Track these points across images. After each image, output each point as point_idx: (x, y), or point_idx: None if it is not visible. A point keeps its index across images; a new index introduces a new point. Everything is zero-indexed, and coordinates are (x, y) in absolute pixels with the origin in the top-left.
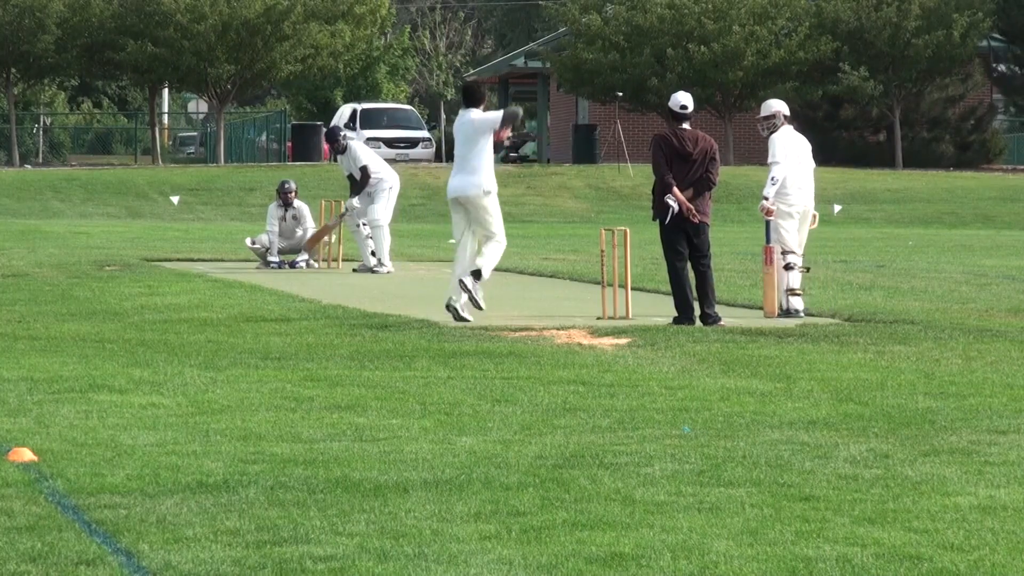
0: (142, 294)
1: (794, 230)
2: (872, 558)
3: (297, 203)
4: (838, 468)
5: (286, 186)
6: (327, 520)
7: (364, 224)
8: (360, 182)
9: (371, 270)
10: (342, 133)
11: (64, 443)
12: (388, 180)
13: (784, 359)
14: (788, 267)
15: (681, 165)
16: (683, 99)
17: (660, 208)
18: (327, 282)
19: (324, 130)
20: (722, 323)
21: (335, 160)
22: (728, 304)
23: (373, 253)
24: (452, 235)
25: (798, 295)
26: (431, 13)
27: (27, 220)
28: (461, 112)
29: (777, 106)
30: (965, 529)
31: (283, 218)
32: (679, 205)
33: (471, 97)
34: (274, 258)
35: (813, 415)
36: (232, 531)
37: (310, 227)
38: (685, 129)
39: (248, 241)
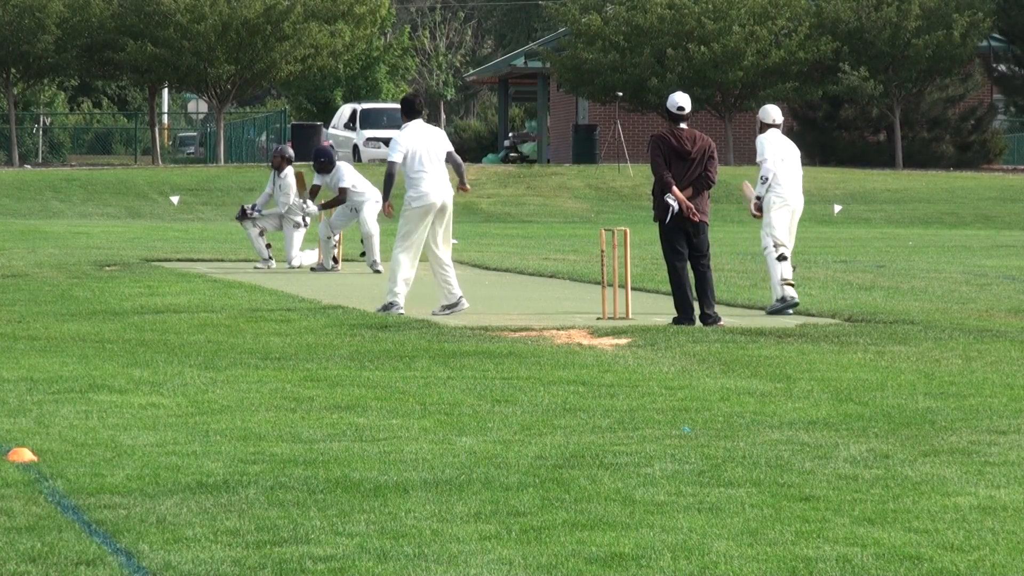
0: (142, 294)
1: (785, 223)
2: (872, 558)
3: (287, 170)
4: (838, 468)
5: (275, 148)
6: (327, 520)
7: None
8: (337, 199)
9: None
10: (338, 153)
11: (64, 443)
12: (371, 194)
13: (784, 359)
14: (782, 257)
15: (680, 164)
16: (680, 100)
17: (660, 208)
18: (327, 282)
19: (318, 148)
20: (722, 323)
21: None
22: (728, 304)
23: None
24: (405, 240)
25: (791, 284)
26: (431, 13)
27: (27, 220)
28: (422, 123)
29: (760, 114)
30: (965, 529)
31: (274, 181)
32: (679, 204)
33: (417, 110)
34: (256, 211)
35: (813, 415)
36: (232, 531)
37: (292, 200)
38: (683, 129)
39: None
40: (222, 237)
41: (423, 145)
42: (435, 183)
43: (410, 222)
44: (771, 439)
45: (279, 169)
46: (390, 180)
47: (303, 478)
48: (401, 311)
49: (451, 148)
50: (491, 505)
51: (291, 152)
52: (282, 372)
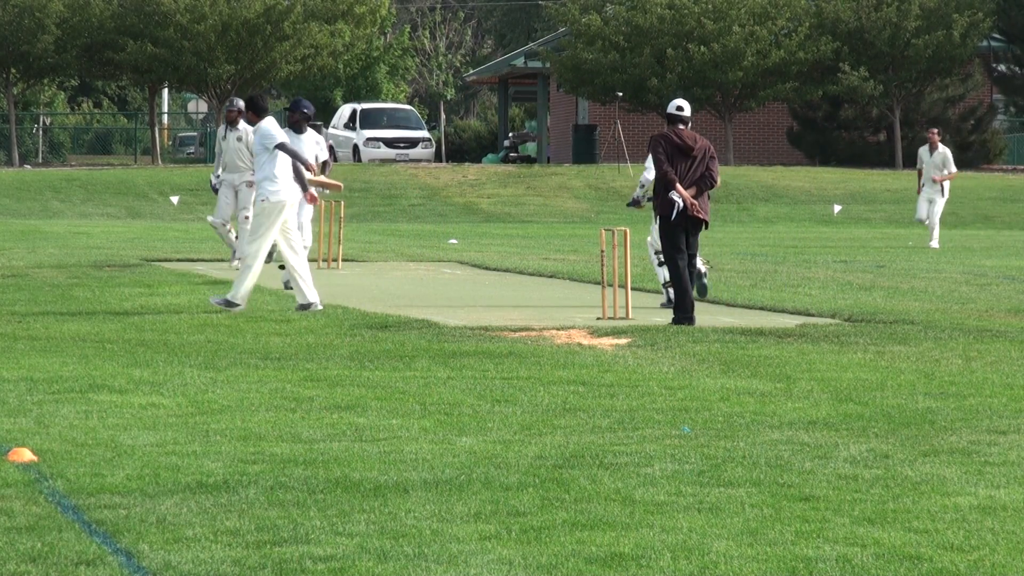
0: (142, 294)
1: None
2: (872, 558)
3: (242, 125)
4: (838, 468)
5: (232, 103)
6: (327, 520)
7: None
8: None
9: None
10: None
11: (64, 443)
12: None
13: (784, 359)
14: (662, 264)
15: (682, 162)
16: (679, 101)
17: (665, 204)
18: (327, 282)
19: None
20: (695, 324)
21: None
22: (728, 304)
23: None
24: (264, 237)
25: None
26: (431, 13)
27: (27, 220)
28: (268, 122)
29: (669, 108)
30: (965, 529)
31: (224, 137)
32: (683, 200)
33: (266, 107)
34: (215, 176)
35: (813, 415)
36: (232, 531)
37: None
38: (682, 129)
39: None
40: None
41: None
42: (288, 182)
43: (264, 217)
44: (771, 439)
45: (233, 124)
46: (295, 157)
47: (303, 478)
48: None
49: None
50: (491, 505)
51: (241, 104)
52: (282, 372)
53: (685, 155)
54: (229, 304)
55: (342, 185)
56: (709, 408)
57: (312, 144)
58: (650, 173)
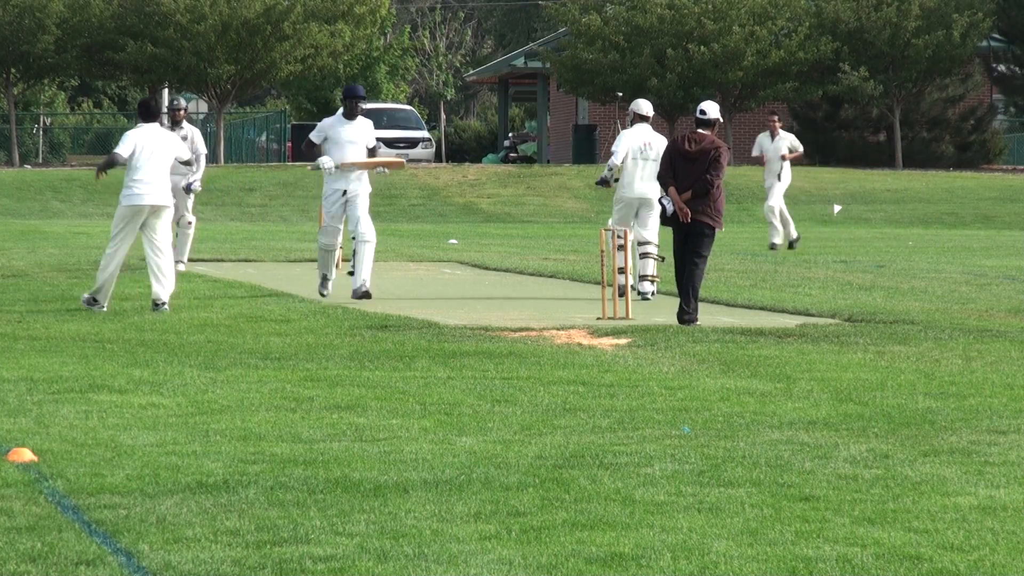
0: (142, 294)
1: (627, 217)
2: (872, 558)
3: (187, 125)
4: (838, 468)
5: (174, 103)
6: (327, 520)
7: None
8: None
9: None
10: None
11: (64, 443)
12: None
13: (784, 359)
14: (620, 248)
15: (683, 166)
16: (703, 105)
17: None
18: None
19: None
20: (697, 323)
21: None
22: (728, 304)
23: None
24: (110, 243)
25: (645, 278)
26: (431, 13)
27: (27, 220)
28: (149, 126)
29: (632, 106)
30: (965, 529)
31: None
32: (672, 205)
33: (153, 112)
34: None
35: (813, 415)
36: (232, 531)
37: (202, 151)
38: (698, 132)
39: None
40: (222, 237)
41: (149, 146)
42: (149, 186)
43: (119, 220)
44: (771, 439)
45: (177, 123)
46: (108, 164)
47: (303, 478)
48: (103, 308)
49: (185, 156)
50: (491, 505)
51: (184, 103)
52: (282, 372)
53: (686, 160)
54: (91, 303)
55: (404, 161)
56: (709, 408)
57: (366, 131)
58: (616, 158)
